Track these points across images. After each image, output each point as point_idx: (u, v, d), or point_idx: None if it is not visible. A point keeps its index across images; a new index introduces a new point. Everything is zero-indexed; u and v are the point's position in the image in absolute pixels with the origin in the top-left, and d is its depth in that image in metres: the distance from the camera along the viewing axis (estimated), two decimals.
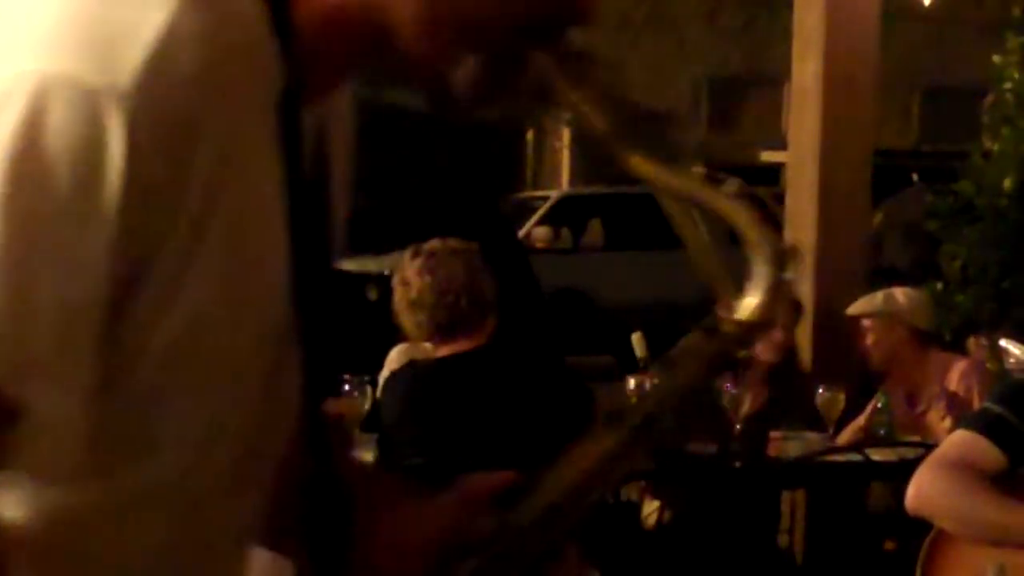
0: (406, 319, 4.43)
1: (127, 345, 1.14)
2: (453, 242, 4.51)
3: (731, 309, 1.33)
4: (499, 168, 20.34)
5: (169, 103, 1.10)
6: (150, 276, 1.12)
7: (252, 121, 1.19)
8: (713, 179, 1.36)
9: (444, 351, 4.35)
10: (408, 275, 4.42)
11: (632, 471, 1.44)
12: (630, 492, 6.00)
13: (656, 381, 1.42)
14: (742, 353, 1.27)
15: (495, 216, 15.78)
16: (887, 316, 5.79)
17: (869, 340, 5.84)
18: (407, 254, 4.52)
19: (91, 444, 1.16)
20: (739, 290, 1.33)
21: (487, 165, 19.94)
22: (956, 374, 5.63)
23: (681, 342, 1.40)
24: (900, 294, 5.91)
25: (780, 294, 1.32)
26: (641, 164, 1.29)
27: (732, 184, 1.41)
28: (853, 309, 5.98)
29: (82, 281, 1.10)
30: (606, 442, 1.37)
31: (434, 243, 4.48)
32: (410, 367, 4.53)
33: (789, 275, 1.32)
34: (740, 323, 1.32)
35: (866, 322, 5.88)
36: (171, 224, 1.12)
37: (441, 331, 4.33)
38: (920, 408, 5.68)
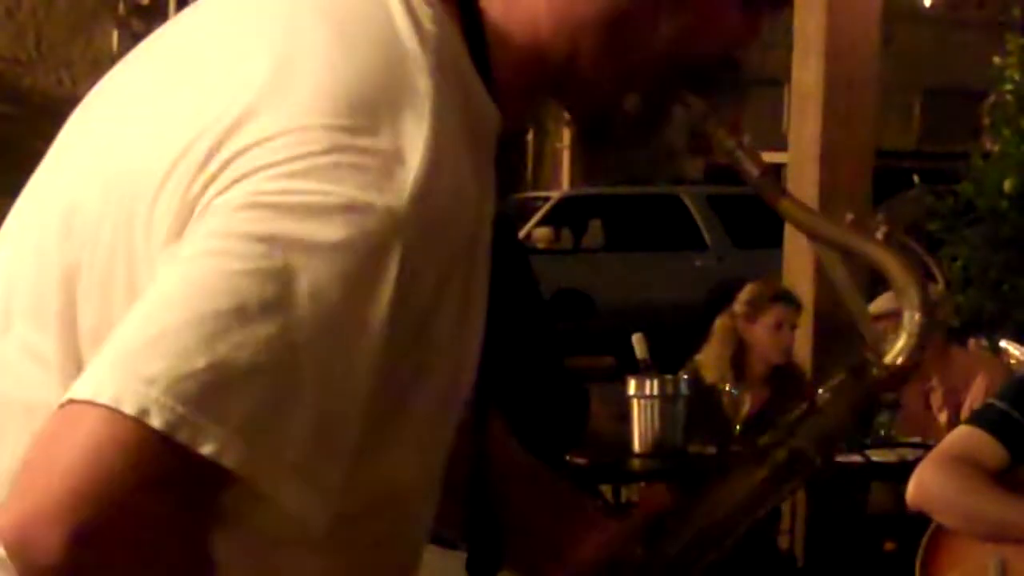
0: None
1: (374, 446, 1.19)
2: None
3: (880, 353, 1.38)
4: (499, 168, 20.32)
5: (439, 222, 1.14)
6: (396, 380, 1.17)
7: (487, 187, 1.23)
8: (862, 225, 1.38)
9: None
10: None
11: (775, 506, 1.47)
12: (630, 493, 6.00)
13: (803, 416, 1.44)
14: (889, 398, 1.32)
15: (495, 216, 15.71)
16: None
17: None
18: None
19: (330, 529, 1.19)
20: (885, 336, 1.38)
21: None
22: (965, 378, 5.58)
23: (831, 381, 1.44)
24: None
25: (928, 339, 1.36)
26: (792, 209, 1.36)
27: (881, 229, 1.42)
28: (876, 307, 5.89)
29: (344, 393, 1.13)
30: (754, 477, 1.42)
31: None
32: None
33: (937, 321, 1.35)
34: (889, 367, 1.37)
35: (884, 321, 5.77)
36: (415, 339, 1.16)
37: None
38: (937, 406, 5.63)
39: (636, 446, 5.41)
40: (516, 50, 1.24)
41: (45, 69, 18.30)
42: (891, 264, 1.35)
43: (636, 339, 5.53)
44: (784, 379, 5.88)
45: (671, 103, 1.29)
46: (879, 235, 1.38)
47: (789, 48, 7.39)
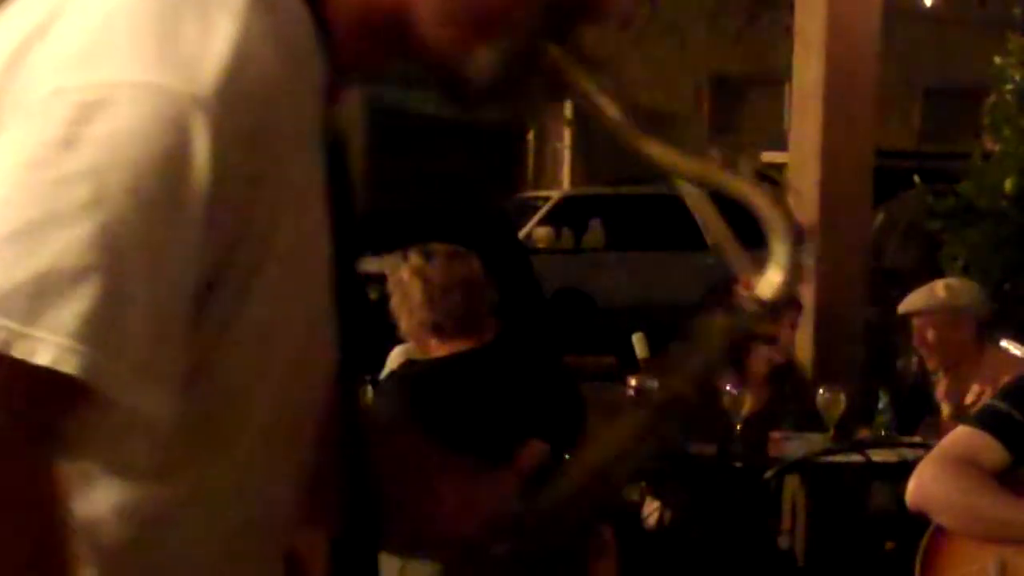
0: (404, 319, 4.45)
1: (207, 344, 1.18)
2: (450, 246, 4.53)
3: (751, 288, 1.35)
4: (500, 169, 20.33)
5: (245, 109, 1.15)
6: (227, 277, 1.17)
7: (309, 121, 1.23)
8: (728, 162, 1.35)
9: (442, 351, 4.36)
10: (405, 276, 4.43)
11: (659, 451, 1.43)
12: (631, 492, 6.00)
13: (679, 358, 1.43)
14: (763, 330, 1.27)
15: (496, 216, 15.75)
16: (952, 311, 5.56)
17: (930, 337, 5.60)
18: (405, 255, 4.53)
19: (176, 440, 1.19)
20: (758, 269, 1.34)
21: (489, 166, 19.94)
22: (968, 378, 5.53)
23: (704, 319, 1.40)
24: (959, 285, 5.71)
25: (798, 272, 1.33)
26: (656, 149, 1.32)
27: (747, 165, 1.39)
28: (908, 305, 5.75)
29: (172, 280, 1.13)
30: (633, 422, 1.39)
31: (432, 245, 4.49)
32: (408, 367, 4.54)
33: (806, 253, 1.33)
34: (761, 301, 1.34)
35: (922, 318, 5.64)
36: (247, 226, 1.17)
37: (439, 331, 4.34)
38: (966, 403, 5.54)
39: None
40: (351, 6, 1.24)
41: None
42: (758, 198, 1.32)
43: (636, 339, 5.53)
44: (785, 378, 5.88)
45: (531, 54, 1.27)
46: (746, 172, 1.34)
47: (790, 48, 7.40)
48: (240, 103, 1.14)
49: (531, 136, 23.36)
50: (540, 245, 16.60)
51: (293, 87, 1.19)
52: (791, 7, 7.40)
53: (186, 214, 1.13)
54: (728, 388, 5.51)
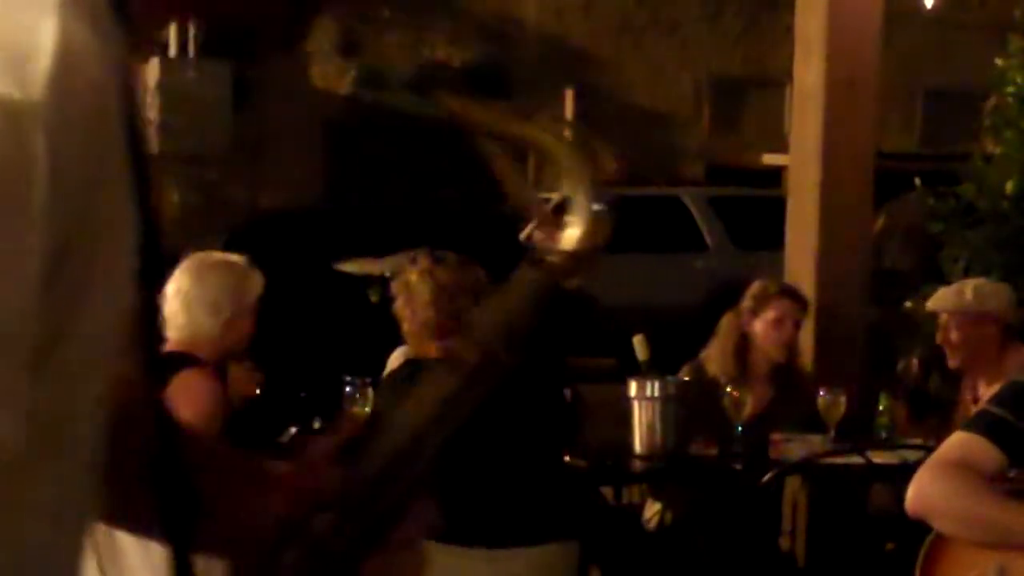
0: (407, 320, 4.46)
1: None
2: (460, 255, 4.56)
3: (554, 239, 1.34)
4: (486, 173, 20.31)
5: (77, 110, 1.12)
6: (61, 275, 1.13)
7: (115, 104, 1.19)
8: (525, 113, 1.34)
9: (441, 352, 4.39)
10: (413, 278, 4.45)
11: (473, 409, 1.42)
12: (632, 494, 6.00)
13: (484, 314, 1.41)
14: (569, 283, 1.24)
15: (497, 218, 15.72)
16: (978, 312, 5.58)
17: (954, 337, 5.61)
18: (411, 258, 4.55)
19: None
20: (559, 219, 1.33)
21: (482, 169, 19.94)
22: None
23: (510, 276, 1.38)
24: (988, 287, 5.71)
25: (599, 224, 1.32)
26: (450, 101, 1.30)
27: (544, 115, 1.38)
28: (935, 304, 5.76)
29: (17, 291, 1.10)
30: (445, 384, 1.38)
31: (442, 252, 4.52)
32: (408, 366, 4.56)
33: (604, 204, 1.31)
34: (564, 253, 1.33)
35: (948, 317, 5.64)
36: (83, 226, 1.13)
37: (440, 333, 4.36)
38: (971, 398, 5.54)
39: (637, 447, 5.42)
40: None
41: None
42: (556, 148, 1.31)
43: (637, 341, 5.54)
44: (787, 378, 5.89)
45: (312, 9, 1.26)
46: (542, 120, 1.33)
47: (790, 49, 7.40)
48: (71, 103, 1.11)
49: None
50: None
51: (109, 72, 1.16)
52: (792, 8, 7.40)
53: (30, 222, 1.10)
54: (730, 389, 5.53)
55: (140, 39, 1.27)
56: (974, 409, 5.13)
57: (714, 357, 5.92)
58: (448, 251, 4.58)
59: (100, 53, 1.15)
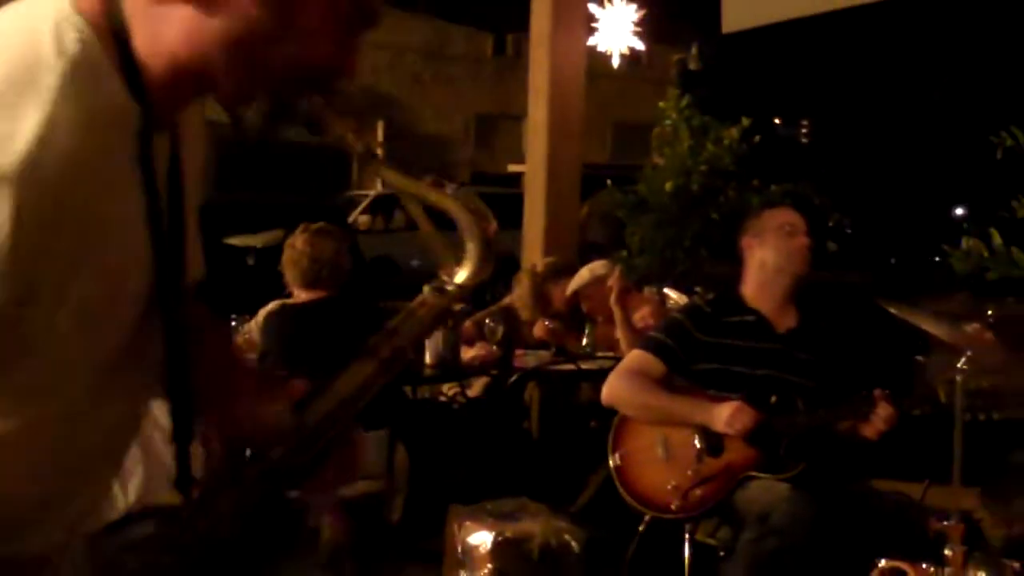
0: (288, 272, 4.36)
1: (29, 332, 1.07)
2: (330, 225, 4.46)
3: (452, 276, 1.32)
4: (333, 176, 20.07)
5: (46, 181, 1.03)
6: (39, 293, 1.06)
7: (120, 157, 1.13)
8: (439, 184, 1.31)
9: (304, 298, 4.31)
10: (297, 243, 4.35)
11: (379, 388, 1.39)
12: (423, 392, 5.92)
13: (400, 323, 1.38)
14: (459, 307, 1.23)
15: (332, 207, 15.53)
16: (596, 283, 5.57)
17: (585, 306, 5.61)
18: (299, 228, 4.43)
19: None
20: (457, 262, 1.31)
21: (326, 175, 19.68)
22: (640, 314, 5.61)
23: (418, 297, 1.36)
24: (599, 267, 5.78)
25: (485, 266, 1.30)
26: (390, 174, 1.27)
27: (452, 187, 1.37)
28: (572, 287, 5.76)
29: None
30: (366, 369, 1.34)
31: (320, 224, 4.41)
32: (281, 307, 4.45)
33: (491, 253, 1.29)
34: (459, 286, 1.32)
35: (581, 292, 5.62)
36: (51, 261, 1.05)
37: (308, 283, 4.29)
38: (638, 328, 5.59)
39: (428, 359, 5.31)
40: (163, 67, 1.16)
41: None
42: (458, 212, 1.29)
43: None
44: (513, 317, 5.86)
45: (294, 100, 1.22)
46: (450, 191, 1.31)
47: (526, 95, 7.42)
48: (46, 177, 1.03)
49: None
50: (362, 227, 16.42)
51: (101, 153, 1.09)
52: (526, 67, 7.41)
53: None
54: (488, 322, 5.48)
55: (165, 105, 1.17)
56: (632, 332, 5.21)
57: (516, 302, 5.83)
58: (323, 223, 4.44)
59: (89, 125, 1.06)
